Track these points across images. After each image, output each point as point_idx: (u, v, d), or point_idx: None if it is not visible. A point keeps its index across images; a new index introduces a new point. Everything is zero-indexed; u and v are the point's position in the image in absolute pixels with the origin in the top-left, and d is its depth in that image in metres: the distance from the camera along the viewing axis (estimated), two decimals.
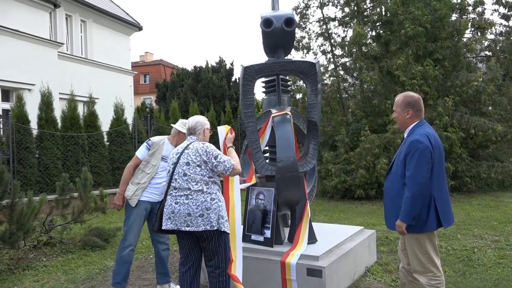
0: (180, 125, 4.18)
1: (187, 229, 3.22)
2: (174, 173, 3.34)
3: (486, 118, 10.64)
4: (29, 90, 12.58)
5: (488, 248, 5.60)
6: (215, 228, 3.22)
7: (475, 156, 11.17)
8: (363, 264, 4.70)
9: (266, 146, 4.58)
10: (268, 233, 4.26)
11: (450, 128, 10.19)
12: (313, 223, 4.54)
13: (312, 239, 4.33)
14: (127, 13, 19.55)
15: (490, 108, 11.43)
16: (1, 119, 10.02)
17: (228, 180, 3.78)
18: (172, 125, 4.33)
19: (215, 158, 3.30)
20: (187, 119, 3.82)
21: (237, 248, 3.64)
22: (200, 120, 3.54)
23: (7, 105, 11.92)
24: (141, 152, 4.17)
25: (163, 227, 3.33)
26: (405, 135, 3.23)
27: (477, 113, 10.96)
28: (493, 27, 12.34)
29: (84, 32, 17.03)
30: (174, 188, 3.33)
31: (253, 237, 4.35)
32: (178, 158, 3.37)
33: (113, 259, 5.69)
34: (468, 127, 10.30)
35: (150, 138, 4.27)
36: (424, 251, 3.08)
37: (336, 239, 4.51)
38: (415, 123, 3.19)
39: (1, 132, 9.69)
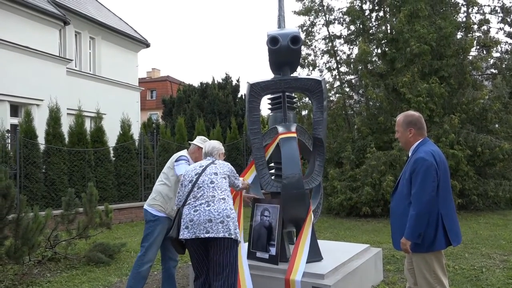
0: (200, 141, 4.26)
1: (207, 235, 3.22)
2: (198, 183, 3.43)
3: (493, 136, 10.59)
4: (38, 105, 12.72)
5: (496, 268, 5.51)
6: (232, 237, 3.26)
7: (482, 174, 11.08)
8: (369, 283, 4.64)
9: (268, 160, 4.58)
10: (273, 251, 4.23)
11: (456, 145, 10.14)
12: (318, 241, 4.51)
13: (317, 257, 4.29)
14: (135, 30, 19.82)
15: (496, 125, 11.38)
16: (9, 134, 10.10)
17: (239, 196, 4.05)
18: (189, 142, 4.42)
19: (235, 177, 3.72)
20: (194, 135, 3.90)
21: (244, 268, 3.65)
22: (215, 146, 3.79)
23: (15, 120, 12.05)
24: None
25: (180, 237, 3.34)
26: (410, 154, 3.23)
27: (483, 131, 10.91)
28: (498, 45, 12.39)
29: (92, 48, 17.27)
30: (193, 197, 3.39)
31: (258, 254, 4.32)
32: (203, 170, 3.51)
33: (117, 275, 5.67)
34: (475, 144, 10.24)
35: (182, 154, 4.23)
36: (431, 271, 3.04)
37: (342, 257, 4.46)
38: (419, 141, 3.19)
39: (9, 147, 9.77)
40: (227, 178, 3.55)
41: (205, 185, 3.40)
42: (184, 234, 3.30)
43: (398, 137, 3.32)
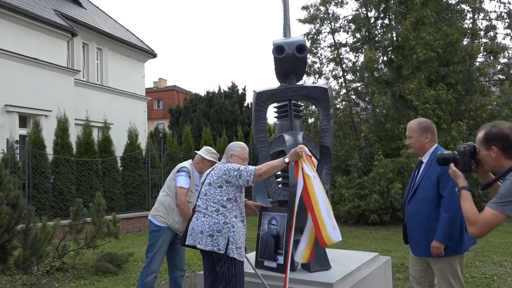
0: (204, 152, 4.24)
1: (199, 246, 3.27)
2: (201, 192, 3.47)
3: None
4: (46, 116, 12.84)
5: (508, 276, 5.43)
6: (221, 252, 3.19)
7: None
8: None
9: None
10: (281, 259, 4.20)
11: None
12: (326, 249, 4.47)
13: (325, 265, 4.26)
14: (141, 41, 20.00)
15: None
16: (18, 145, 10.20)
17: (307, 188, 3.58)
18: (196, 151, 4.40)
19: (237, 170, 3.32)
20: (201, 144, 3.88)
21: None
22: (230, 146, 3.69)
23: (24, 131, 12.16)
24: (186, 181, 4.12)
25: (186, 242, 3.41)
26: (425, 160, 3.23)
27: None
28: (505, 51, 12.32)
29: (100, 59, 17.45)
30: (198, 206, 3.44)
31: (266, 263, 4.29)
32: (205, 179, 3.51)
33: (124, 285, 5.67)
34: None
35: (183, 166, 4.23)
36: (456, 275, 3.06)
37: (350, 265, 4.42)
38: (434, 147, 3.23)
39: (18, 158, 9.85)
40: (224, 186, 3.31)
41: (202, 197, 3.41)
42: (189, 240, 3.39)
43: (411, 143, 3.30)
